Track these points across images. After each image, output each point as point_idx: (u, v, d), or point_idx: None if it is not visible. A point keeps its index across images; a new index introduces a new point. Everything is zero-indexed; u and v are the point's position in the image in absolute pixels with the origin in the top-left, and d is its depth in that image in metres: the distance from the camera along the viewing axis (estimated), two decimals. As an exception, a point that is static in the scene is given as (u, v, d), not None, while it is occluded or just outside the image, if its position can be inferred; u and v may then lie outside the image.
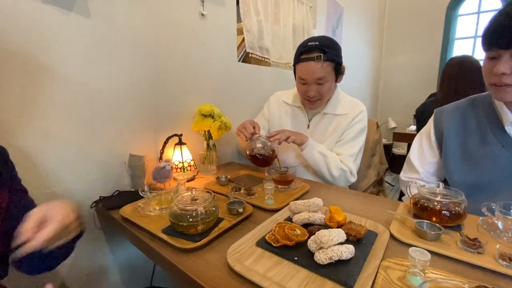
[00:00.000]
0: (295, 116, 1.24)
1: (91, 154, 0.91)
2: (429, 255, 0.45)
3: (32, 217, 0.47)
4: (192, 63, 1.20)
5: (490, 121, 0.79)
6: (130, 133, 1.01)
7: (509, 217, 0.61)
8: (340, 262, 0.51)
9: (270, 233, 0.61)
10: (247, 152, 1.08)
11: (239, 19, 1.42)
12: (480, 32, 0.86)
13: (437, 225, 0.62)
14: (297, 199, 0.86)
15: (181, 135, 1.11)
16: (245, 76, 1.49)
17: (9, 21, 0.71)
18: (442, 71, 1.55)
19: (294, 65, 1.12)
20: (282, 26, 1.70)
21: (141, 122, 1.04)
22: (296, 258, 0.53)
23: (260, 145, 1.06)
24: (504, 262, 0.51)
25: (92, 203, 0.90)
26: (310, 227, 0.61)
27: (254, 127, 1.08)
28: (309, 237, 0.56)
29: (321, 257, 0.50)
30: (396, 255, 0.55)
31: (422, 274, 0.46)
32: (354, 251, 0.52)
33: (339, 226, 0.63)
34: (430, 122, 0.94)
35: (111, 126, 0.95)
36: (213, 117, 1.18)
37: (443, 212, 0.65)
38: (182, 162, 1.08)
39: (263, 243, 0.59)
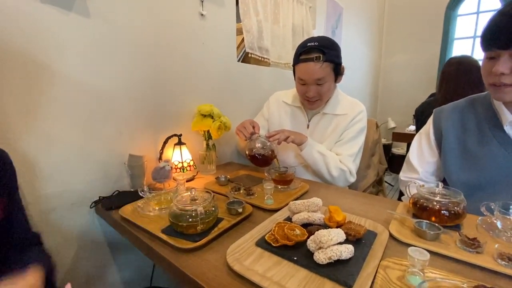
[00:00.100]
0: (295, 116, 1.25)
1: (91, 154, 0.91)
2: (428, 254, 0.46)
3: None
4: (192, 63, 1.20)
5: (489, 121, 0.80)
6: (129, 133, 1.01)
7: (508, 216, 0.61)
8: (339, 262, 0.51)
9: (270, 233, 0.61)
10: (247, 152, 1.08)
11: (238, 19, 1.42)
12: (479, 32, 0.87)
13: (436, 224, 0.62)
14: (296, 199, 0.87)
15: (180, 135, 1.11)
16: (244, 76, 1.49)
17: (9, 21, 0.71)
18: (441, 71, 1.56)
19: (294, 66, 1.12)
20: (282, 26, 1.71)
21: (141, 122, 1.04)
22: (295, 258, 0.53)
23: (259, 145, 1.06)
24: (503, 262, 0.51)
25: (92, 203, 0.90)
26: (310, 227, 0.62)
27: (253, 127, 1.08)
28: (308, 237, 0.56)
29: (321, 257, 0.50)
30: (395, 254, 0.55)
31: (421, 273, 0.46)
32: (353, 251, 0.52)
33: (339, 226, 0.63)
34: (429, 122, 0.94)
35: (110, 126, 0.95)
36: (212, 117, 1.18)
37: (442, 211, 0.65)
38: (182, 162, 1.08)
39: (262, 243, 0.59)
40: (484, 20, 0.90)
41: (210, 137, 1.20)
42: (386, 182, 3.10)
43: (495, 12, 0.67)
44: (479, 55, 1.52)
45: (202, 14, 1.20)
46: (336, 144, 1.15)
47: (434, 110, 0.95)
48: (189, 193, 0.69)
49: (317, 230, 0.54)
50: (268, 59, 1.64)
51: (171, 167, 0.99)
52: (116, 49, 0.93)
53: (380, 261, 0.52)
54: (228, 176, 1.03)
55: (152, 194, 0.79)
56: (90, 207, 0.90)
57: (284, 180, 0.95)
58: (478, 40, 0.93)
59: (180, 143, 1.10)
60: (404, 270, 0.49)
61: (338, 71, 1.08)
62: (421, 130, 0.98)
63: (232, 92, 1.43)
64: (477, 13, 3.10)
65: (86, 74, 0.87)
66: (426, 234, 0.60)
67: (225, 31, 1.34)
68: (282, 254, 0.55)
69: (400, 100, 3.65)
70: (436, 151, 0.92)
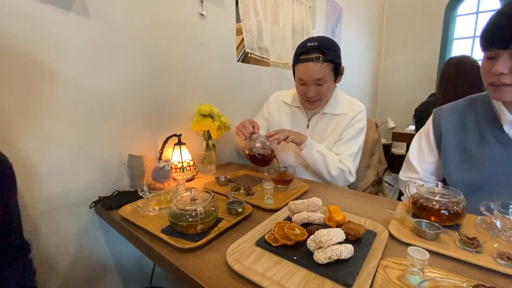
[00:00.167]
0: (294, 116, 1.25)
1: (91, 154, 0.91)
2: (427, 254, 0.46)
3: None
4: (192, 63, 1.20)
5: (489, 120, 0.80)
6: (129, 133, 1.01)
7: (507, 216, 0.61)
8: (339, 262, 0.51)
9: (270, 232, 0.61)
10: (246, 152, 1.08)
11: (238, 19, 1.42)
12: (479, 32, 0.87)
13: (436, 224, 0.62)
14: (296, 198, 0.87)
15: (180, 135, 1.11)
16: (244, 76, 1.49)
17: (9, 21, 0.71)
18: (440, 71, 1.56)
19: (293, 66, 1.12)
20: (281, 26, 1.71)
21: (141, 122, 1.04)
22: (295, 258, 0.53)
23: (259, 144, 1.06)
24: (502, 261, 0.51)
25: (92, 203, 0.90)
26: (309, 227, 0.62)
27: (253, 127, 1.08)
28: (308, 237, 0.56)
29: (320, 257, 0.50)
30: (395, 254, 0.55)
31: (421, 273, 0.46)
32: (353, 250, 0.52)
33: (338, 225, 0.63)
34: (429, 122, 0.95)
35: (110, 126, 0.95)
36: (212, 117, 1.18)
37: (441, 211, 0.65)
38: (182, 162, 1.08)
39: (262, 243, 0.59)
40: (484, 20, 0.90)
41: (210, 137, 1.20)
42: (385, 182, 3.10)
43: (495, 12, 0.67)
44: (478, 55, 1.52)
45: (202, 14, 1.20)
46: (336, 143, 1.15)
47: (433, 110, 0.95)
48: (189, 193, 0.69)
49: (317, 230, 0.54)
50: (268, 59, 1.64)
51: (171, 167, 0.99)
52: (115, 49, 0.93)
53: (379, 261, 0.52)
54: (228, 176, 1.03)
55: (152, 194, 0.79)
56: (90, 207, 0.90)
57: (284, 180, 0.95)
58: (477, 40, 0.93)
59: (180, 143, 1.10)
60: (403, 270, 0.49)
61: (337, 71, 1.08)
62: (421, 130, 0.98)
63: (232, 92, 1.43)
64: (477, 13, 3.10)
65: (86, 74, 0.87)
66: (425, 234, 0.60)
67: (225, 31, 1.34)
68: (282, 253, 0.55)
69: (399, 100, 3.65)
70: (436, 151, 0.92)
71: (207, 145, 1.20)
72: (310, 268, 0.50)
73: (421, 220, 0.64)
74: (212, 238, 0.63)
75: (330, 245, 0.51)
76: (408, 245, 0.55)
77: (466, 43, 3.19)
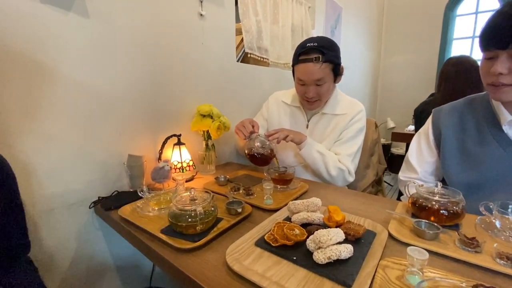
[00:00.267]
0: (294, 116, 1.25)
1: (90, 154, 0.91)
2: (427, 254, 0.46)
3: None
4: (191, 63, 1.20)
5: (488, 120, 0.80)
6: (129, 133, 1.01)
7: (506, 216, 0.61)
8: (338, 262, 0.51)
9: (269, 233, 0.61)
10: (246, 151, 1.08)
11: (238, 20, 1.42)
12: (478, 32, 0.87)
13: (435, 224, 0.62)
14: (296, 199, 0.87)
15: (180, 135, 1.11)
16: (244, 76, 1.49)
17: (9, 21, 0.71)
18: (440, 71, 1.56)
19: (293, 66, 1.12)
20: (281, 26, 1.71)
21: (140, 122, 1.04)
22: (295, 258, 0.53)
23: (258, 144, 1.06)
24: (502, 261, 0.51)
25: (91, 204, 0.90)
26: (309, 227, 0.62)
27: (253, 126, 1.08)
28: (308, 237, 0.56)
29: (320, 257, 0.50)
30: (394, 254, 0.55)
31: (420, 273, 0.46)
32: (352, 250, 0.53)
33: (338, 225, 0.63)
34: (428, 122, 0.95)
35: (110, 126, 0.95)
36: (212, 117, 1.18)
37: (441, 211, 0.65)
38: (181, 162, 1.08)
39: (262, 243, 0.59)
40: (483, 20, 0.90)
41: (209, 137, 1.20)
42: (385, 182, 3.10)
43: (494, 12, 0.68)
44: (478, 55, 1.52)
45: (201, 14, 1.20)
46: (335, 143, 1.15)
47: (433, 110, 0.95)
48: (188, 193, 0.69)
49: (317, 230, 0.54)
50: (267, 59, 1.64)
51: (171, 167, 0.99)
52: (115, 49, 0.93)
53: (379, 261, 0.52)
54: (228, 176, 1.03)
55: (152, 194, 0.79)
56: (90, 208, 0.90)
57: (283, 180, 0.95)
58: (476, 40, 0.93)
59: (179, 143, 1.10)
60: (403, 270, 0.49)
61: (337, 71, 1.08)
62: (420, 130, 0.98)
63: (231, 92, 1.43)
64: (476, 13, 3.11)
65: (86, 74, 0.87)
66: (425, 234, 0.60)
67: (224, 31, 1.34)
68: (282, 254, 0.55)
69: (399, 100, 3.66)
70: (435, 151, 0.92)
71: (207, 145, 1.20)
72: (309, 268, 0.50)
73: (420, 220, 0.64)
74: (211, 238, 0.63)
75: (330, 245, 0.51)
76: (408, 245, 0.55)
77: (466, 43, 3.20)
